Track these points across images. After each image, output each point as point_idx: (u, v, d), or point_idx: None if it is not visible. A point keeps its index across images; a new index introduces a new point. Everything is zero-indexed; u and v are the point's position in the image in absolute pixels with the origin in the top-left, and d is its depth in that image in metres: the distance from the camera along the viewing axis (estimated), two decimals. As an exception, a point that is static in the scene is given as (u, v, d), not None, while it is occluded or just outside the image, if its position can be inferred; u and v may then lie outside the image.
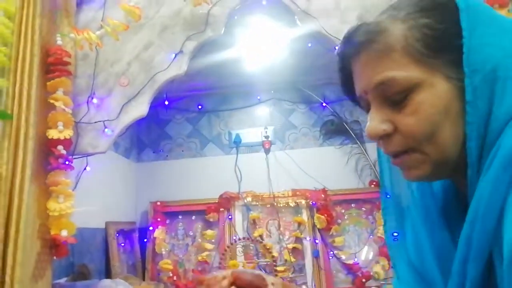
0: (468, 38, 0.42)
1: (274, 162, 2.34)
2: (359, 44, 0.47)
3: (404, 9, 0.46)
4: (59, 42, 1.34)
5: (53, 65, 1.30)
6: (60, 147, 1.24)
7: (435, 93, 0.43)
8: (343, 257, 2.11)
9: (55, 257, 1.23)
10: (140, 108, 1.37)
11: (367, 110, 0.50)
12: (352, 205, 2.21)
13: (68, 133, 1.25)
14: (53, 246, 1.20)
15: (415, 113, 0.44)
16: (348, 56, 0.50)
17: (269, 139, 2.37)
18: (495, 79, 0.42)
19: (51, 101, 1.25)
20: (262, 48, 1.95)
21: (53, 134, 1.24)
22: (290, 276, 2.09)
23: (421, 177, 0.48)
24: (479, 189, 0.41)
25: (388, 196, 0.60)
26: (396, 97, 0.45)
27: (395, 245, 0.58)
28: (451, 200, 0.55)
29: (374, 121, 0.47)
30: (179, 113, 2.49)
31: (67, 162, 1.27)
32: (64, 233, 1.19)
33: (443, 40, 0.44)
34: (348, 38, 0.49)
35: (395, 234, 0.59)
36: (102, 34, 1.32)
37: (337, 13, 1.36)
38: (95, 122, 1.35)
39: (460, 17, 0.43)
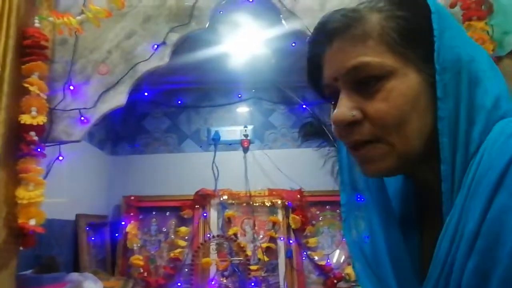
0: (439, 38, 0.44)
1: (252, 161, 2.34)
2: (334, 30, 0.47)
3: (381, 1, 0.48)
4: (37, 25, 1.29)
5: (30, 48, 1.25)
6: (32, 133, 1.20)
7: (407, 82, 0.45)
8: (316, 258, 2.12)
9: (21, 248, 1.18)
10: (119, 98, 1.34)
11: (332, 99, 0.50)
12: (327, 207, 2.23)
13: (41, 119, 1.21)
14: (20, 235, 1.16)
15: (386, 100, 0.44)
16: (321, 43, 0.49)
17: (248, 138, 2.37)
18: (460, 80, 0.44)
19: (26, 85, 1.21)
20: (245, 46, 1.95)
21: (25, 119, 1.19)
22: (263, 275, 2.09)
23: (383, 171, 0.48)
24: (465, 209, 0.40)
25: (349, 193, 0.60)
26: (368, 84, 0.45)
27: (353, 244, 0.59)
28: (407, 199, 0.56)
29: (343, 107, 0.46)
30: (157, 107, 2.45)
31: (39, 149, 1.23)
32: (32, 222, 1.15)
33: (416, 35, 0.46)
34: (323, 25, 0.49)
35: (354, 232, 0.59)
36: (83, 19, 1.28)
37: (321, 14, 1.37)
38: (71, 110, 1.32)
39: (432, 17, 0.45)
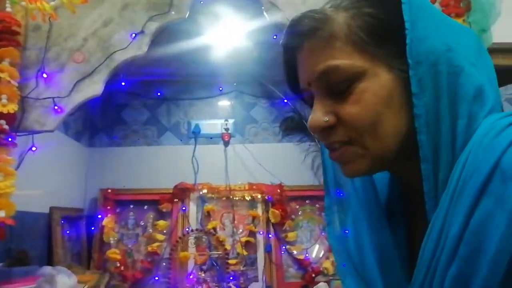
0: (411, 30, 0.42)
1: (232, 155, 2.32)
2: (302, 34, 0.46)
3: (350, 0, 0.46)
4: (8, 9, 1.25)
5: (0, 33, 1.21)
6: (2, 122, 1.16)
7: (378, 82, 0.43)
8: (295, 252, 2.13)
9: (-10, 240, 1.14)
10: (95, 87, 1.31)
11: (311, 104, 0.48)
12: (307, 201, 2.24)
13: (12, 107, 1.17)
14: (-12, 227, 1.12)
15: (358, 102, 0.43)
16: (292, 47, 0.48)
17: (229, 131, 2.35)
18: (438, 72, 0.42)
19: (-5, 71, 1.16)
20: (226, 38, 1.92)
21: (-5, 107, 1.15)
22: (242, 269, 2.09)
23: (360, 172, 0.47)
24: (449, 215, 0.39)
25: (333, 193, 0.59)
26: (339, 87, 0.44)
27: (338, 244, 0.57)
28: (394, 196, 0.54)
29: (316, 112, 0.45)
30: (136, 99, 2.40)
31: (9, 139, 1.19)
32: (1, 213, 1.11)
33: (386, 30, 0.44)
34: (291, 28, 0.48)
35: (338, 233, 0.58)
36: (58, 5, 1.24)
37: (303, 7, 1.36)
38: (44, 99, 1.27)
39: (402, 9, 0.43)
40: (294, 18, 0.48)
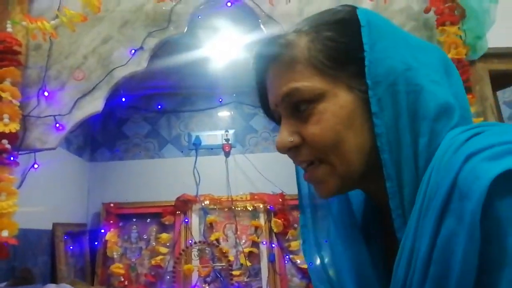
0: (370, 52, 0.43)
1: (233, 166, 2.33)
2: (267, 58, 0.48)
3: (309, 23, 0.47)
4: (9, 29, 1.26)
5: (1, 54, 1.22)
6: (4, 141, 1.17)
7: (337, 103, 0.44)
8: (298, 261, 2.13)
9: (-7, 259, 1.14)
10: (95, 104, 1.32)
11: (280, 124, 0.50)
12: (309, 210, 2.23)
13: (14, 127, 1.18)
14: (-9, 247, 1.12)
15: (318, 122, 0.44)
16: (261, 70, 0.51)
17: (230, 142, 2.36)
18: (397, 92, 0.43)
19: (-3, 91, 1.17)
20: (225, 51, 1.94)
21: (-3, 126, 1.16)
22: (246, 280, 2.08)
23: (332, 192, 0.47)
24: (419, 229, 0.39)
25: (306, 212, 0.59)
26: (301, 108, 0.45)
27: (314, 267, 0.57)
28: (369, 214, 0.55)
29: (282, 133, 0.47)
30: (137, 112, 2.42)
31: (12, 158, 1.19)
32: (4, 233, 1.11)
33: (345, 53, 0.45)
34: (258, 53, 0.50)
35: (313, 251, 0.58)
36: (57, 24, 1.26)
37: (299, 19, 1.38)
38: (45, 116, 1.29)
39: (361, 32, 0.44)
40: (260, 42, 0.50)
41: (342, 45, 0.45)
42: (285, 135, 0.47)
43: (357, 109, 0.44)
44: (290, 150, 0.47)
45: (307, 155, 0.47)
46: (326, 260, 0.56)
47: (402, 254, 0.40)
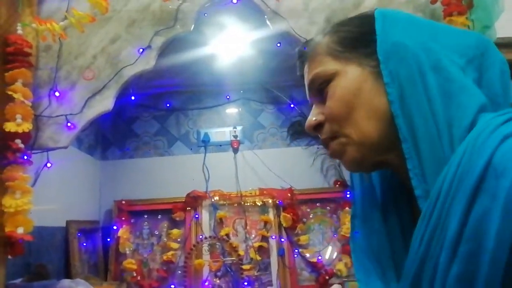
0: (381, 34, 0.49)
1: (242, 162, 2.34)
2: (301, 57, 0.58)
3: (333, 24, 0.56)
4: (19, 31, 1.29)
5: (13, 55, 1.25)
6: (18, 141, 1.19)
7: (347, 77, 0.50)
8: (308, 255, 2.14)
9: (9, 256, 1.17)
10: (105, 103, 1.34)
11: None
12: (317, 204, 2.25)
13: (27, 126, 1.21)
14: (7, 244, 1.15)
15: (332, 96, 0.51)
16: (301, 69, 0.59)
17: (238, 138, 2.38)
18: (410, 65, 0.47)
19: (9, 92, 1.20)
20: (231, 48, 1.95)
21: (10, 127, 1.19)
22: (256, 274, 2.10)
23: (355, 162, 0.51)
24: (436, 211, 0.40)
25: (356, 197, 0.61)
26: (321, 90, 0.52)
27: (355, 245, 0.59)
28: (397, 194, 0.57)
29: (310, 115, 0.54)
30: (146, 111, 2.44)
31: (25, 157, 1.22)
32: (20, 230, 1.14)
33: (357, 38, 0.52)
34: (297, 54, 0.60)
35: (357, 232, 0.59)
36: (66, 25, 1.28)
37: (305, 14, 1.39)
38: (57, 116, 1.31)
39: (375, 22, 0.51)
40: (299, 46, 0.60)
41: (355, 33, 0.52)
42: (311, 116, 0.54)
43: (367, 81, 0.50)
44: (316, 129, 0.54)
45: (328, 132, 0.52)
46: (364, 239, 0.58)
47: (423, 228, 0.41)
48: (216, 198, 2.22)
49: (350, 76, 0.50)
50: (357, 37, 0.51)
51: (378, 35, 0.49)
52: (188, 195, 2.20)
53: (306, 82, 0.56)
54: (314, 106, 0.55)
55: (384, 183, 0.58)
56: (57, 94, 1.32)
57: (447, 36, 0.50)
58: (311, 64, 0.54)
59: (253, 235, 2.19)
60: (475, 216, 0.36)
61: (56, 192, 1.75)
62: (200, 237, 2.14)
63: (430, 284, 0.40)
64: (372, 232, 0.56)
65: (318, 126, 0.53)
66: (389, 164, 0.52)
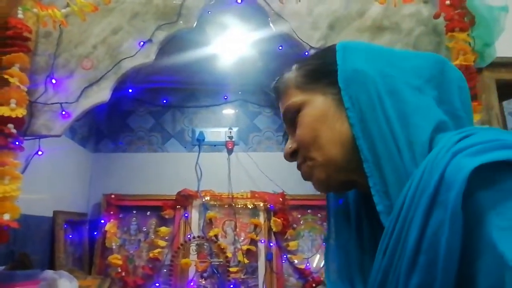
0: (341, 64, 0.53)
1: (235, 163, 2.33)
2: (276, 92, 0.61)
3: (300, 60, 0.60)
4: (20, 16, 1.27)
5: (11, 39, 1.23)
6: (10, 126, 1.18)
7: (313, 106, 0.54)
8: (296, 261, 2.13)
9: (-6, 242, 1.15)
10: (102, 94, 1.33)
11: None
12: (308, 211, 2.24)
13: (21, 112, 1.19)
14: (-8, 230, 1.13)
15: (300, 124, 0.55)
16: (277, 103, 0.62)
17: (233, 139, 2.37)
18: (369, 90, 0.50)
19: (6, 76, 1.18)
20: (232, 48, 1.95)
21: (4, 111, 1.17)
22: (242, 277, 2.09)
23: (323, 183, 0.54)
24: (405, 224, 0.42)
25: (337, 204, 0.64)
26: (294, 120, 0.56)
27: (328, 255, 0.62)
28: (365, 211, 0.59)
29: (286, 145, 0.58)
30: (142, 106, 2.43)
31: (17, 143, 1.20)
32: (6, 216, 1.12)
33: (320, 70, 0.56)
34: (272, 89, 0.63)
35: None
36: (68, 12, 1.27)
37: (309, 18, 1.39)
38: (52, 104, 1.29)
39: (336, 54, 0.54)
40: (272, 84, 0.63)
41: (318, 66, 0.56)
42: (287, 145, 0.58)
43: (330, 107, 0.53)
44: (292, 156, 0.57)
45: (300, 157, 0.56)
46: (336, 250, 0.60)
47: (387, 241, 0.43)
48: (207, 198, 2.21)
49: (315, 105, 0.54)
50: (320, 69, 0.55)
51: (339, 65, 0.53)
52: (179, 193, 2.18)
53: (281, 114, 0.60)
54: (289, 135, 0.59)
55: (358, 199, 0.60)
56: (53, 81, 1.31)
57: (404, 60, 0.53)
58: (284, 97, 0.58)
59: (242, 238, 2.17)
60: (432, 228, 0.38)
61: (46, 181, 1.72)
62: (189, 236, 2.12)
63: None
64: (344, 245, 0.59)
65: (294, 154, 0.57)
66: (355, 183, 0.55)
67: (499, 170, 0.37)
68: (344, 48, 0.55)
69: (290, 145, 0.57)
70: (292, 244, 2.14)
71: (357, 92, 0.50)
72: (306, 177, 0.57)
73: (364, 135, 0.49)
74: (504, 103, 1.77)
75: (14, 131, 1.18)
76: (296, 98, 0.56)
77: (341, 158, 0.52)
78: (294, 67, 0.60)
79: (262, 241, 2.14)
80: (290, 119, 0.57)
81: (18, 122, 1.19)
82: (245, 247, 2.13)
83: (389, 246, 0.43)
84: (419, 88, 0.50)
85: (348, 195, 0.61)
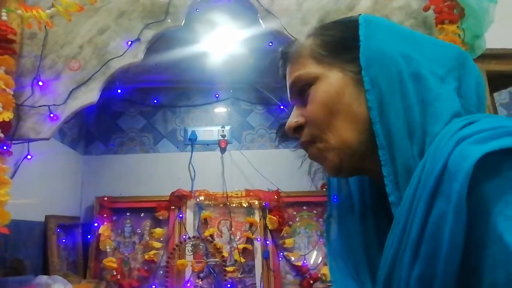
0: (364, 41, 0.49)
1: (229, 162, 2.32)
2: (284, 59, 0.57)
3: (317, 27, 0.56)
4: (4, 17, 1.25)
5: (-5, 41, 1.20)
6: (-3, 130, 1.15)
7: (329, 82, 0.50)
8: (293, 258, 2.12)
9: (-16, 250, 1.13)
10: (90, 95, 1.30)
11: None
12: (304, 207, 2.23)
13: (7, 115, 1.16)
14: (-18, 236, 1.10)
15: (313, 100, 0.51)
16: (283, 67, 0.58)
17: (226, 138, 2.35)
18: (391, 73, 0.47)
19: (-10, 79, 1.16)
20: (223, 46, 1.93)
21: (-10, 115, 1.14)
22: (239, 276, 2.08)
23: (335, 167, 0.51)
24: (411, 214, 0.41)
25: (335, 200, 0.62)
26: (305, 93, 0.52)
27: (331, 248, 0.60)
28: (375, 200, 0.57)
29: (291, 117, 0.54)
30: (132, 106, 2.40)
31: (5, 147, 1.18)
32: (-4, 223, 1.10)
33: (341, 44, 0.52)
34: (279, 53, 0.59)
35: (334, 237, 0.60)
36: (53, 13, 1.24)
37: (298, 14, 1.38)
38: (39, 106, 1.27)
39: (359, 28, 0.51)
40: (282, 47, 0.59)
41: (338, 38, 0.52)
42: (292, 118, 0.54)
43: (348, 86, 0.50)
44: (296, 131, 0.53)
45: (307, 135, 0.52)
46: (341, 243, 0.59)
47: (394, 233, 0.42)
48: (202, 198, 2.19)
49: (332, 81, 0.50)
50: (341, 42, 0.52)
51: (362, 42, 0.49)
52: (172, 193, 2.16)
53: (288, 82, 0.56)
54: (295, 107, 0.55)
55: (362, 186, 0.58)
56: (40, 83, 1.28)
57: (429, 47, 0.51)
58: (294, 65, 0.54)
59: (238, 237, 2.16)
60: (433, 219, 0.37)
61: (36, 185, 1.69)
62: (184, 237, 2.10)
63: (398, 287, 0.41)
64: (348, 234, 0.57)
65: (298, 128, 0.53)
66: (367, 170, 0.53)
67: (504, 158, 0.36)
68: (368, 23, 0.51)
69: (295, 118, 0.53)
70: (289, 242, 2.13)
71: (378, 74, 0.48)
72: (314, 158, 0.54)
73: (382, 120, 0.46)
74: (495, 94, 1.78)
75: (1, 135, 1.16)
76: (309, 69, 0.52)
77: (356, 143, 0.49)
78: (310, 33, 0.55)
79: (258, 239, 2.13)
80: (299, 91, 0.53)
81: (5, 126, 1.17)
82: (241, 246, 2.12)
83: (395, 238, 0.42)
84: (442, 78, 0.48)
85: (349, 180, 0.59)
